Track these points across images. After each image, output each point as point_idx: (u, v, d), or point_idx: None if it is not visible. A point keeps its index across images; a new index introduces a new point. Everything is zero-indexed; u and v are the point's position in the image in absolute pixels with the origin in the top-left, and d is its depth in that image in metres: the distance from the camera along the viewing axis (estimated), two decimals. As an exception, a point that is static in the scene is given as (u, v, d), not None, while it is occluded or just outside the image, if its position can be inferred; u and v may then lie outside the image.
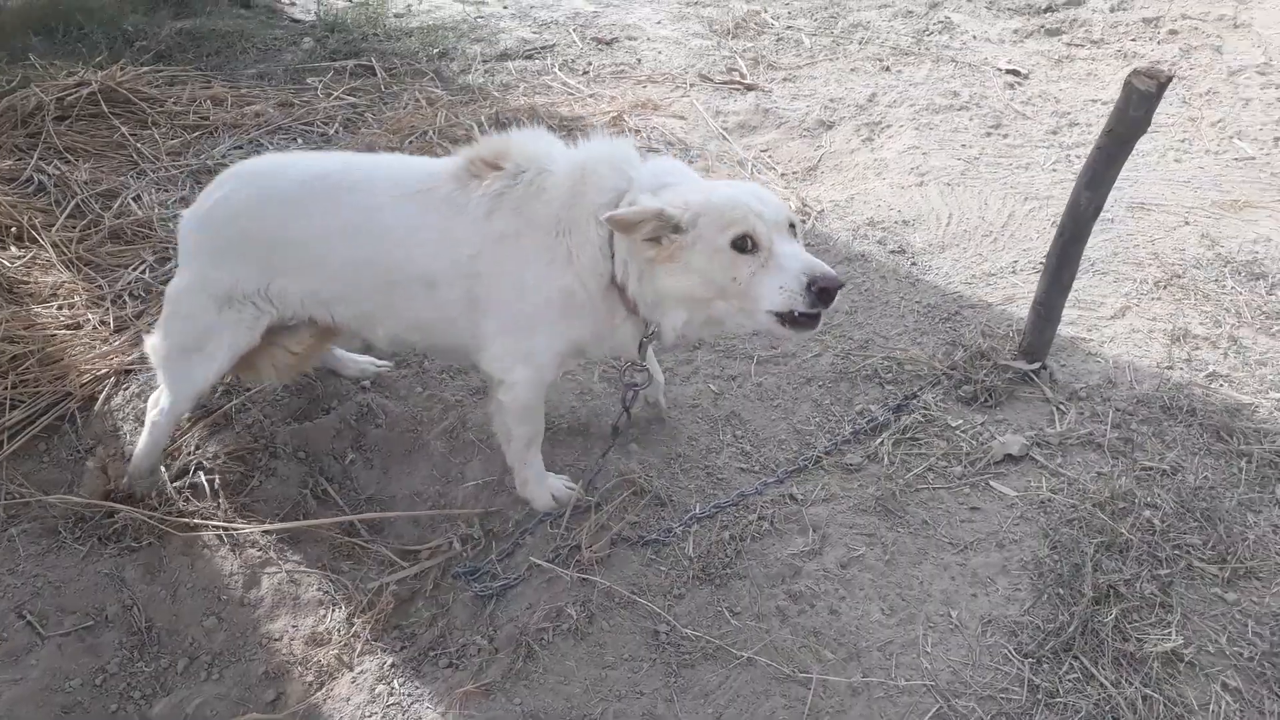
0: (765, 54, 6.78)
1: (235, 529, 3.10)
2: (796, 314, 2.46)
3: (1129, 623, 2.69)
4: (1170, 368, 3.73)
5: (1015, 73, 6.49)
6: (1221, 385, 3.63)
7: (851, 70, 6.56)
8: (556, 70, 6.42)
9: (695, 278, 2.53)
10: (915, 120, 5.82)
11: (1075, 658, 2.61)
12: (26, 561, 3.03)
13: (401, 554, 3.08)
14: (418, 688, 2.65)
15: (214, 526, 3.12)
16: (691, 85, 6.26)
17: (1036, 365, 3.67)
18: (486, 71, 6.45)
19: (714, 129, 5.68)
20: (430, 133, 5.36)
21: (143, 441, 3.12)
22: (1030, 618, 2.74)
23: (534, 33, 7.13)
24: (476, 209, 2.69)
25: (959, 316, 4.02)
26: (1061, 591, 2.79)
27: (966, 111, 5.94)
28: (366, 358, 3.68)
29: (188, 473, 3.30)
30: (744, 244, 2.47)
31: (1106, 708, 2.48)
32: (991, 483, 3.22)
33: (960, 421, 3.47)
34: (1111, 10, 7.43)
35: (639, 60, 6.65)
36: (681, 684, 2.59)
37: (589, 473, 3.18)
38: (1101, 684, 2.53)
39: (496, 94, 6.07)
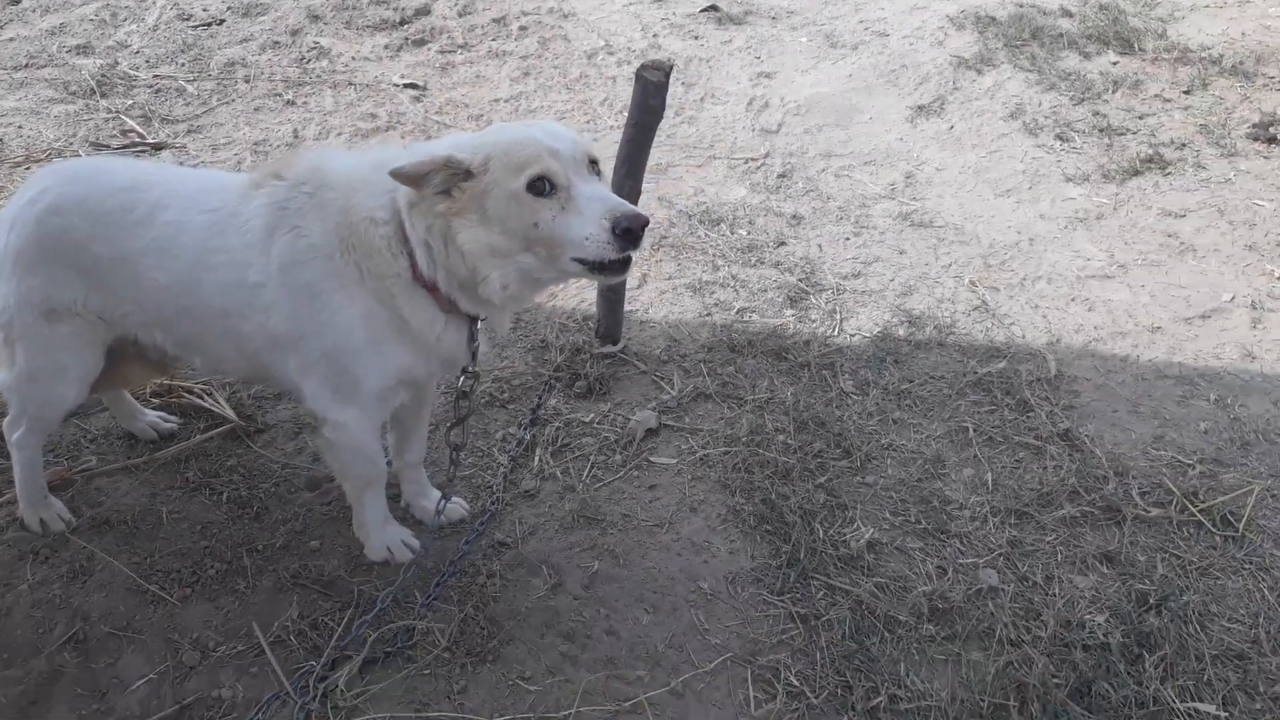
0: (153, 108, 6.08)
1: None
2: (606, 261, 2.31)
3: (827, 531, 3.10)
4: (708, 314, 4.26)
5: (414, 86, 6.67)
6: (751, 316, 4.25)
7: (256, 110, 6.18)
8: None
9: (495, 228, 2.34)
10: (353, 148, 5.71)
11: (813, 577, 2.94)
12: None
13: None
14: None
15: None
16: (89, 156, 5.39)
17: (620, 346, 3.95)
18: None
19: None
20: None
21: (18, 475, 2.95)
22: (759, 561, 3.01)
23: None
24: (257, 225, 2.49)
25: (530, 319, 4.12)
26: (769, 528, 3.11)
27: (394, 130, 5.99)
28: (156, 413, 3.44)
29: None
30: (541, 186, 2.29)
31: (860, 608, 2.85)
32: (650, 459, 3.43)
33: (592, 415, 3.61)
34: (460, 15, 7.93)
35: (0, 139, 5.54)
36: (527, 773, 2.41)
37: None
38: (844, 590, 2.90)
39: None
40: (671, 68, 3.54)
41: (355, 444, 2.68)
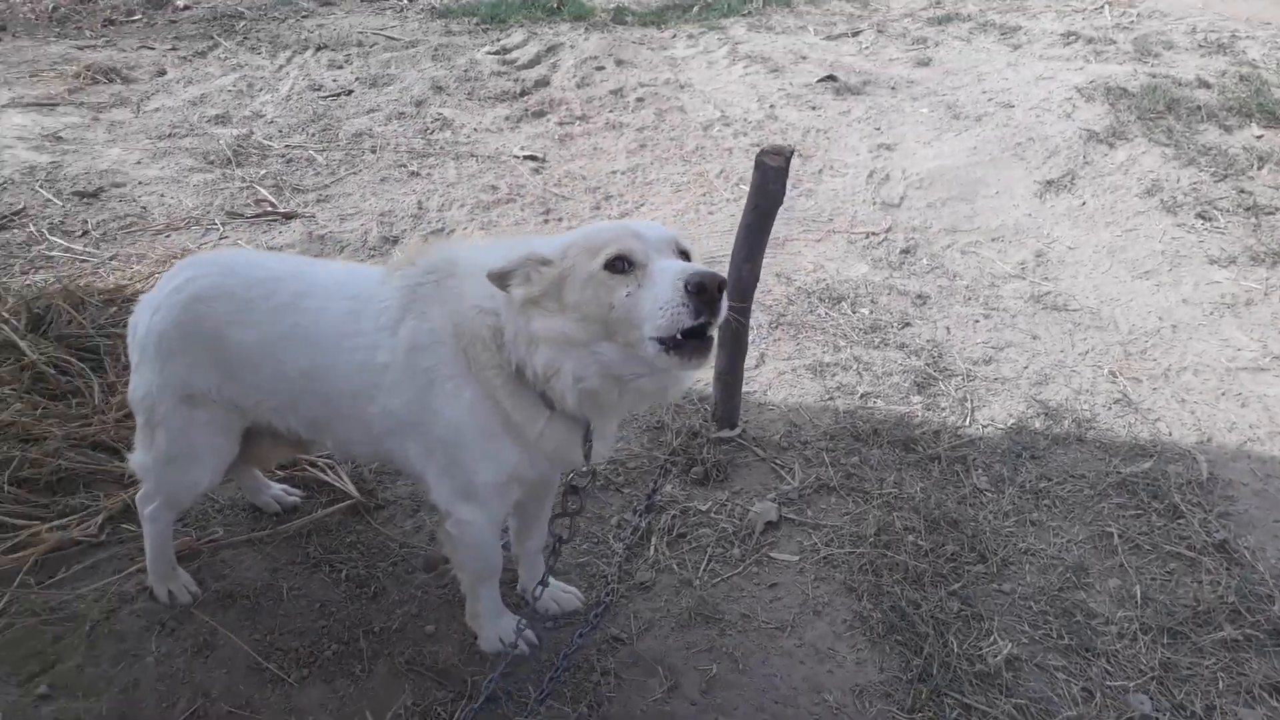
0: (285, 178, 6.30)
1: None
2: (679, 336, 2.12)
3: (962, 644, 2.92)
4: (830, 399, 4.13)
5: (534, 158, 6.76)
6: (876, 402, 4.11)
7: (381, 180, 6.35)
8: (50, 236, 5.34)
9: (571, 315, 2.24)
10: (475, 219, 5.80)
11: (946, 694, 2.76)
12: None
13: None
14: None
15: None
16: (224, 225, 5.60)
17: (738, 431, 3.85)
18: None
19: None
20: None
21: (149, 547, 2.99)
22: (888, 674, 2.84)
23: (-13, 196, 5.89)
24: (390, 306, 2.51)
25: (645, 403, 4.06)
26: (899, 637, 2.94)
27: (515, 203, 6.06)
28: (281, 486, 3.51)
29: None
30: (619, 264, 2.20)
31: (998, 729, 2.66)
32: (771, 554, 3.30)
33: (709, 503, 3.51)
34: (579, 86, 8.07)
35: (144, 209, 5.79)
36: None
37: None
38: (981, 711, 2.71)
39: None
40: (792, 153, 3.47)
41: (476, 540, 2.65)
